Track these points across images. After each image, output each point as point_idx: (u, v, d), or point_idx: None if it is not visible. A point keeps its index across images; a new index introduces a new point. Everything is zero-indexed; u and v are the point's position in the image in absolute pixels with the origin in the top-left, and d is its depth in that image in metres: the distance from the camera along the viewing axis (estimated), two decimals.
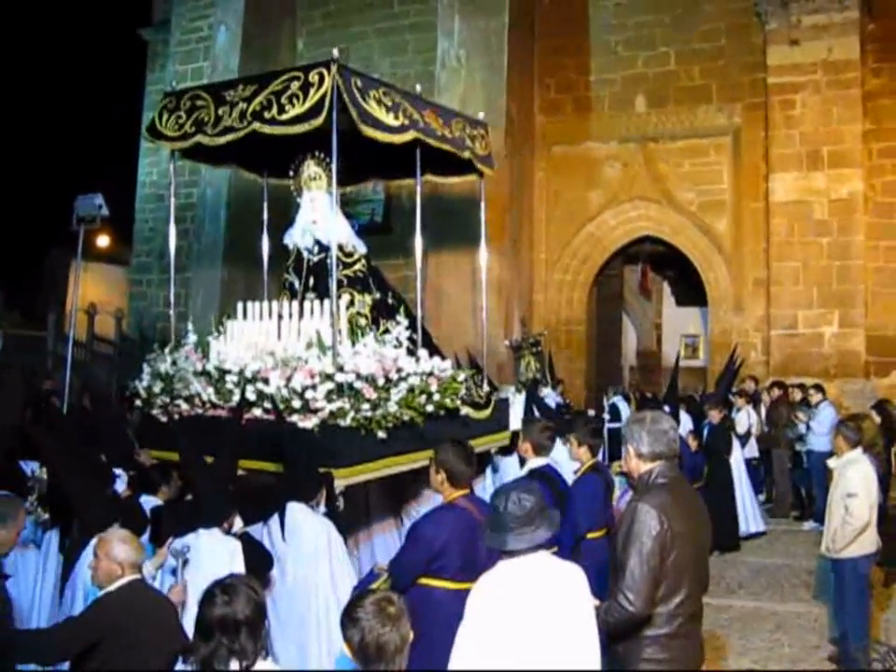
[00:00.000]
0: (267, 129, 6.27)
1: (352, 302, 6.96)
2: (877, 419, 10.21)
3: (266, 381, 6.10)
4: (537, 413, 9.12)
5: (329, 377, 5.95)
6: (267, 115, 6.24)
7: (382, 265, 7.92)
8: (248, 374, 6.22)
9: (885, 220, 13.77)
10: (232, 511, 5.18)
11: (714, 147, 14.86)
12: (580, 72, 15.79)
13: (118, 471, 6.56)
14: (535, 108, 15.88)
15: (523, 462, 6.95)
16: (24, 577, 5.93)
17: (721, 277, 14.84)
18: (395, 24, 16.59)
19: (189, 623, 4.22)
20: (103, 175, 16.00)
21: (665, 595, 3.86)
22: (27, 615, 5.73)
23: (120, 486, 6.30)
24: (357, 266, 7.34)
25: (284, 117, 6.16)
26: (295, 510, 5.53)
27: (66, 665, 4.27)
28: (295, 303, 6.69)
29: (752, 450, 11.93)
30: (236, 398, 6.22)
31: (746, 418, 11.90)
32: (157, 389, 6.79)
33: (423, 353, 6.71)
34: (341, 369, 5.99)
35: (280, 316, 6.63)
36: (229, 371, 6.34)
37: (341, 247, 7.00)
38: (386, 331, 6.71)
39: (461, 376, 7.01)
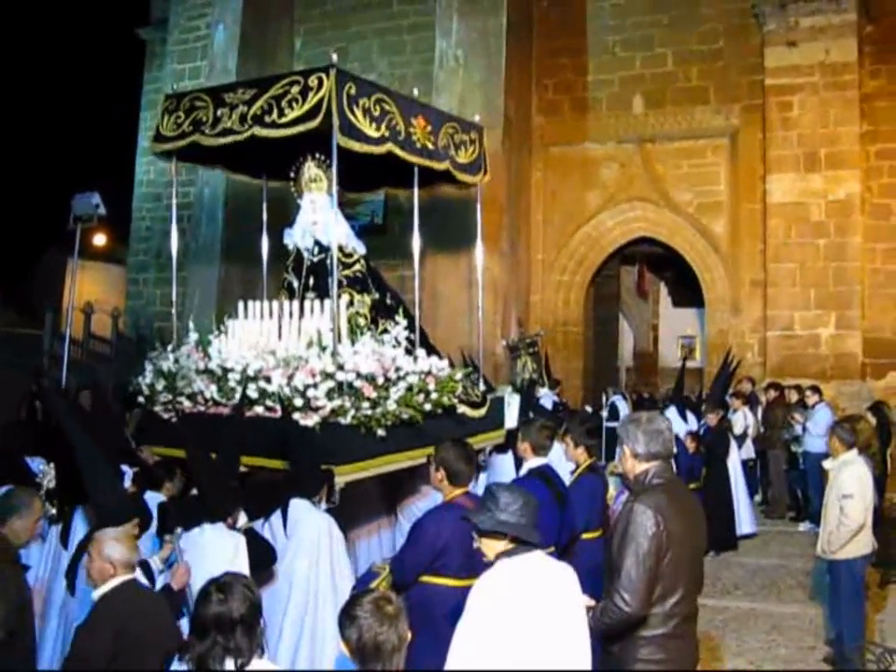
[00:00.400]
0: (266, 132, 6.36)
1: (351, 302, 7.04)
2: (873, 421, 10.24)
3: (268, 379, 6.17)
4: (531, 414, 9.14)
5: (329, 376, 6.02)
6: (267, 119, 6.34)
7: (378, 265, 7.97)
8: (251, 373, 6.30)
9: (882, 222, 13.79)
10: (236, 506, 5.25)
11: (711, 148, 14.87)
12: (577, 72, 15.79)
13: (124, 468, 6.60)
14: (532, 109, 15.88)
15: (520, 462, 6.98)
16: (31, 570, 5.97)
17: (717, 278, 14.85)
18: (393, 24, 16.58)
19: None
20: (100, 174, 16.01)
21: (660, 596, 3.87)
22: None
23: (126, 483, 6.33)
24: (357, 267, 7.41)
25: (283, 120, 6.26)
26: (297, 505, 5.59)
27: None
28: (295, 303, 6.75)
29: (749, 451, 11.96)
30: (238, 395, 6.28)
31: (742, 419, 11.92)
32: (160, 387, 6.85)
33: (421, 352, 6.76)
34: (341, 367, 6.05)
35: (280, 316, 6.69)
36: (231, 370, 6.41)
37: (340, 248, 7.05)
38: (385, 331, 6.77)
39: (458, 375, 7.05)
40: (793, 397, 12.05)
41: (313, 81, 6.20)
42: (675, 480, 4.36)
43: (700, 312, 16.98)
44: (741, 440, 11.63)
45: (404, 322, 6.89)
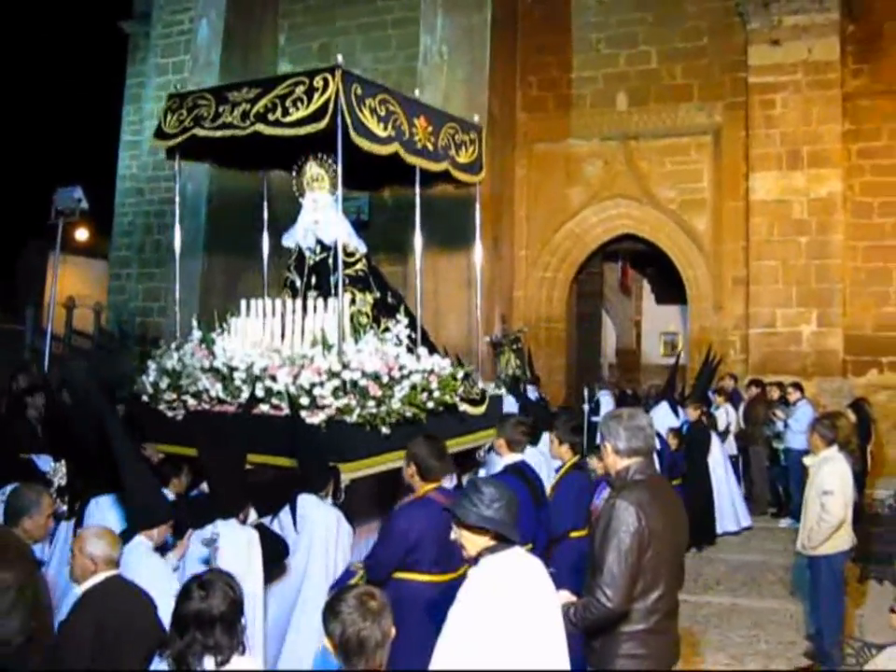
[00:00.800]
0: (269, 130, 6.45)
1: (353, 301, 7.11)
2: (853, 417, 10.29)
3: (274, 378, 6.25)
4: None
5: (335, 374, 6.10)
6: (271, 117, 6.41)
7: None
8: (256, 371, 6.36)
9: (863, 220, 13.86)
10: (247, 502, 5.34)
11: (695, 145, 14.90)
12: (562, 69, 15.80)
13: None
14: (517, 105, 15.87)
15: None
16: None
17: (700, 275, 14.90)
18: (377, 20, 16.53)
19: (252, 619, 4.59)
20: (82, 168, 15.93)
21: (642, 592, 3.88)
22: None
23: None
24: (359, 266, 7.51)
25: (287, 119, 6.34)
26: (305, 500, 5.71)
27: None
28: (298, 301, 6.82)
29: (731, 447, 12.00)
30: (245, 394, 6.36)
31: (724, 416, 11.97)
32: (164, 385, 6.88)
33: (423, 351, 6.85)
34: (346, 366, 6.13)
35: (284, 314, 6.76)
36: (237, 368, 6.46)
37: (342, 247, 7.10)
38: (387, 329, 6.86)
39: (460, 373, 7.12)
40: (775, 393, 12.10)
41: (318, 82, 6.29)
42: (657, 476, 4.38)
43: (683, 308, 17.05)
44: (723, 436, 11.68)
45: (405, 320, 6.96)
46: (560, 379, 16.14)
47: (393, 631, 3.07)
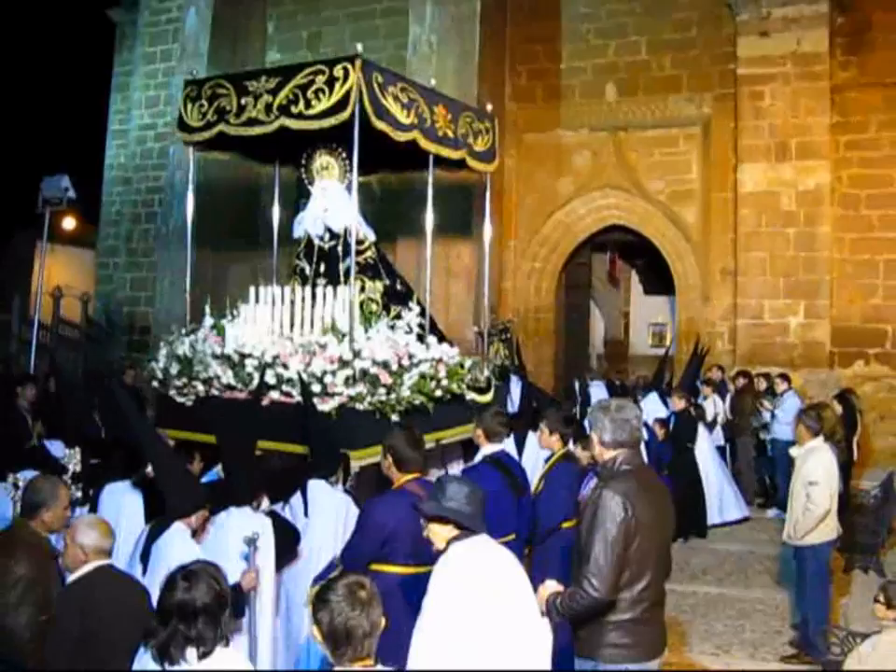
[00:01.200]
0: (295, 124, 6.52)
1: (363, 289, 7.16)
2: (838, 409, 10.34)
3: (285, 365, 6.31)
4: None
5: (346, 363, 6.19)
6: (294, 109, 6.49)
7: None
8: (268, 359, 6.40)
9: (851, 212, 13.91)
10: (261, 489, 5.42)
11: (684, 136, 14.91)
12: (551, 60, 15.78)
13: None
14: (506, 95, 15.82)
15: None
16: None
17: (688, 266, 14.92)
18: (366, 9, 16.44)
19: (261, 608, 4.76)
20: (69, 157, 15.84)
21: (629, 581, 3.90)
22: None
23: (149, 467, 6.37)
24: (368, 253, 7.64)
25: (311, 111, 6.43)
26: (316, 486, 5.78)
27: None
28: (307, 289, 6.88)
29: (718, 438, 12.04)
30: (255, 381, 6.42)
31: (712, 407, 12.00)
32: (174, 371, 6.93)
33: (432, 339, 6.91)
34: (357, 354, 6.20)
35: (293, 302, 6.80)
36: (249, 355, 6.49)
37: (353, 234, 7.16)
38: (398, 317, 6.92)
39: (467, 363, 7.18)
40: (762, 385, 12.15)
41: (338, 71, 6.37)
42: (644, 467, 4.40)
43: (671, 299, 17.09)
44: (711, 427, 11.71)
45: (417, 309, 7.02)
46: (548, 370, 16.15)
47: (383, 621, 3.07)
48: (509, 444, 7.87)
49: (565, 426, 6.53)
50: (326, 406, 6.16)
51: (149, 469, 6.05)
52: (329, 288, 6.78)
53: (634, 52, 15.21)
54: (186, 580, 3.31)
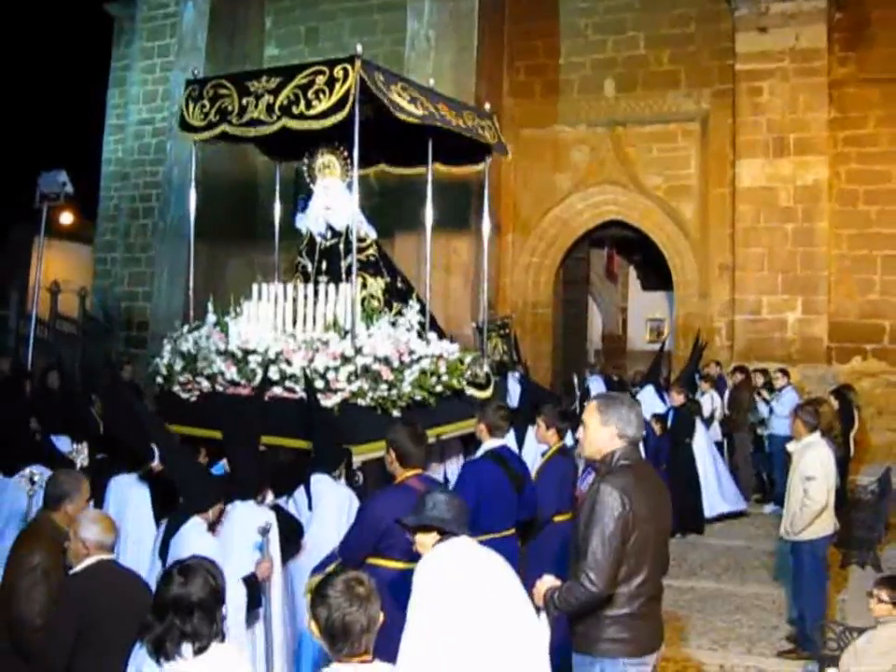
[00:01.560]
0: (296, 124, 6.65)
1: (364, 286, 7.23)
2: (835, 404, 10.36)
3: (289, 362, 6.39)
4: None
5: (348, 360, 6.27)
6: (295, 110, 6.60)
7: None
8: (271, 355, 6.47)
9: (849, 208, 13.91)
10: (265, 483, 5.44)
11: (682, 132, 14.91)
12: (549, 55, 15.76)
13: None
14: (504, 91, 15.79)
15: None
16: None
17: (686, 262, 14.92)
18: (364, 4, 16.42)
19: (277, 598, 4.82)
20: (67, 152, 15.83)
21: (626, 576, 3.90)
22: None
23: (155, 461, 6.38)
24: (370, 251, 7.72)
25: (311, 112, 6.53)
26: (319, 480, 5.82)
27: None
28: (310, 286, 6.97)
29: (715, 434, 12.05)
30: (259, 377, 6.48)
31: (709, 402, 12.01)
32: (178, 367, 7.02)
33: (432, 335, 6.99)
34: (359, 351, 6.28)
35: (296, 299, 6.88)
36: (253, 352, 6.56)
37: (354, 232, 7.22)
38: (399, 314, 6.98)
39: (467, 358, 7.24)
40: (759, 380, 12.16)
41: (338, 72, 6.48)
42: (642, 461, 4.40)
43: (669, 295, 17.08)
44: (708, 422, 11.72)
45: (418, 306, 7.08)
46: (546, 365, 16.15)
47: (381, 617, 3.06)
48: (509, 439, 7.95)
49: (561, 420, 6.55)
50: (328, 402, 6.23)
51: (155, 462, 6.10)
52: (332, 286, 6.85)
53: (632, 48, 15.19)
54: (182, 574, 3.30)
